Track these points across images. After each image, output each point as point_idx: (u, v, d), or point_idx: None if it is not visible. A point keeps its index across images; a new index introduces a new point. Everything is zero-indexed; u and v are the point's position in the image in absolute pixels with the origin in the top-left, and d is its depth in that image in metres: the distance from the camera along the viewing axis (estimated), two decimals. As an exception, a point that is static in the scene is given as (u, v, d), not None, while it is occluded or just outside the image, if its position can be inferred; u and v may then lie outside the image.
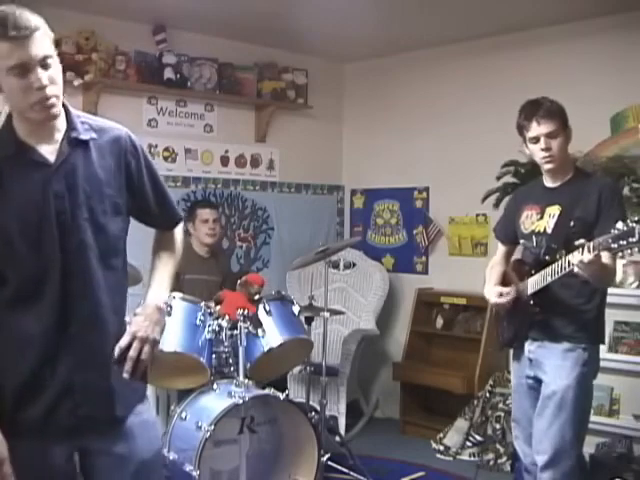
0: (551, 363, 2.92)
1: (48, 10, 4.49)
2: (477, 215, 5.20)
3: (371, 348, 5.51)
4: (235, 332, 3.59)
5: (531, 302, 2.96)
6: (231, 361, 3.66)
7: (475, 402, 4.78)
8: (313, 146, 5.87)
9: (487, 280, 3.22)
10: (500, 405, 4.63)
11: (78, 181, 1.88)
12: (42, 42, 1.77)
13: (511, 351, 3.22)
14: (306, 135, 5.81)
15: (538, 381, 2.99)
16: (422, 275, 5.61)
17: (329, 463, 4.01)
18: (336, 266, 5.59)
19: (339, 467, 4.19)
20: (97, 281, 1.90)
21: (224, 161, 5.40)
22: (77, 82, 4.49)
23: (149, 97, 4.98)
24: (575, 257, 2.60)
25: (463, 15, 4.68)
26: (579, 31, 4.70)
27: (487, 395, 4.75)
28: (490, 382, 4.78)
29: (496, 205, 4.74)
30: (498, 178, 4.69)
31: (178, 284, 3.88)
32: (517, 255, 3.25)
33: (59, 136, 1.89)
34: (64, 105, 1.90)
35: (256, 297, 3.76)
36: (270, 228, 5.65)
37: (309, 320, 4.17)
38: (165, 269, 2.09)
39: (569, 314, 2.92)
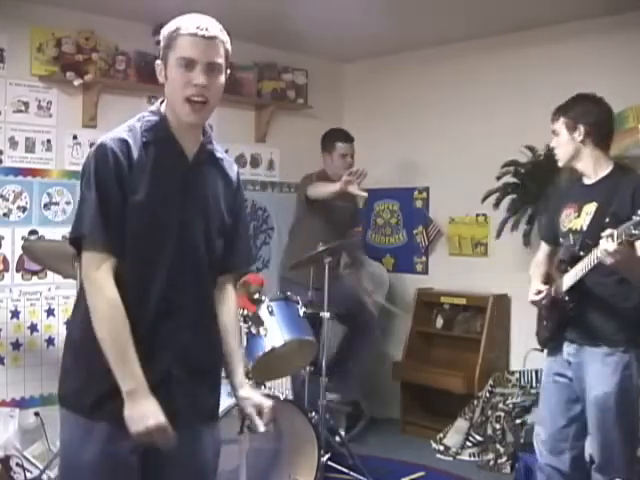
0: (591, 368, 2.88)
1: (48, 10, 4.54)
2: (477, 215, 5.20)
3: (371, 348, 5.50)
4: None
5: (566, 298, 2.93)
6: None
7: (475, 402, 4.78)
8: (313, 146, 5.85)
9: (532, 279, 3.19)
10: (500, 405, 4.62)
11: (203, 188, 2.03)
12: (217, 51, 1.94)
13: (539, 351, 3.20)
14: (306, 135, 5.79)
15: (571, 380, 2.97)
16: (422, 275, 5.60)
17: (329, 463, 4.02)
18: (336, 266, 5.58)
19: (339, 467, 4.18)
20: (203, 283, 2.03)
21: (224, 161, 5.39)
22: (77, 82, 4.48)
23: (149, 97, 4.96)
24: (600, 246, 2.58)
25: (463, 15, 4.68)
26: (579, 31, 4.69)
27: (487, 395, 4.74)
28: (490, 382, 4.78)
29: (496, 205, 4.74)
30: (498, 178, 4.69)
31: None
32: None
33: (196, 145, 2.03)
34: (203, 127, 2.06)
35: (255, 297, 3.75)
36: (270, 228, 5.65)
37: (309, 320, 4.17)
38: (240, 350, 2.20)
39: (605, 313, 2.88)
